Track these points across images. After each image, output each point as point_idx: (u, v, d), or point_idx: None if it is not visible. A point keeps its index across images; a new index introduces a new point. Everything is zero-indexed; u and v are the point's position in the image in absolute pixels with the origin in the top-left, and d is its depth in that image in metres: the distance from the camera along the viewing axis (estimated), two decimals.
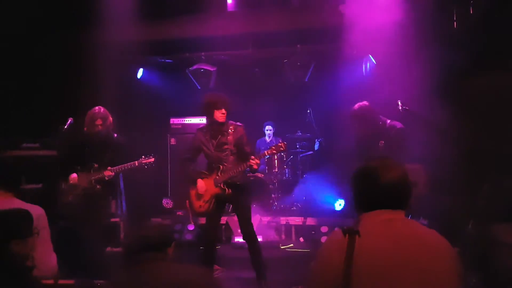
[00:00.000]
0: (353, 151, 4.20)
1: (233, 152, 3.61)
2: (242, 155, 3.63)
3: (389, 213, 1.48)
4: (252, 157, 3.50)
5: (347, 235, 1.39)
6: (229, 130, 3.61)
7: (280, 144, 3.61)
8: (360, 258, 1.36)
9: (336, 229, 1.50)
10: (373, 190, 1.51)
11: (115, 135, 4.06)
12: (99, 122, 3.90)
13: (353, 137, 4.21)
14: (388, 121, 3.95)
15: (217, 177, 3.59)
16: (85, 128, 3.98)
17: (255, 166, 3.51)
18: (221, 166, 3.59)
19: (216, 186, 3.58)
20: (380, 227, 1.46)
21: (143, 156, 3.91)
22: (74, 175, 3.91)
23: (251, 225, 3.63)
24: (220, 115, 3.53)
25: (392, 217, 1.48)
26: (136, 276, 1.60)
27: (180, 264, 1.67)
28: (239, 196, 3.63)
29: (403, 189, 1.52)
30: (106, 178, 3.84)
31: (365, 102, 3.89)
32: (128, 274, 1.63)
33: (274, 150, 3.61)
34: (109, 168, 3.85)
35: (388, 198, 1.49)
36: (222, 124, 3.59)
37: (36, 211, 2.30)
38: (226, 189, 3.57)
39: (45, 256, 2.34)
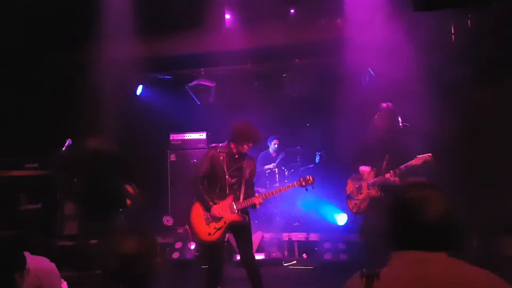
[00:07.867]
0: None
1: (248, 181, 3.54)
2: (251, 187, 3.62)
3: (425, 254, 1.25)
4: (257, 195, 3.49)
5: (363, 278, 1.25)
6: (245, 160, 3.56)
7: (308, 177, 3.57)
8: None
9: (357, 273, 1.32)
10: (410, 227, 1.28)
11: None
12: None
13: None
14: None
15: (233, 203, 3.47)
16: None
17: (258, 206, 3.49)
18: (238, 193, 3.49)
19: (233, 213, 3.45)
20: (406, 269, 1.24)
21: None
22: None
23: (254, 257, 3.57)
24: (247, 147, 3.48)
25: (426, 257, 1.24)
26: None
27: None
28: (248, 225, 3.54)
29: (448, 228, 1.26)
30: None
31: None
32: None
33: (303, 182, 3.56)
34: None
35: (428, 237, 1.25)
36: (243, 154, 3.55)
37: (43, 266, 2.13)
38: (246, 216, 3.47)
39: None
